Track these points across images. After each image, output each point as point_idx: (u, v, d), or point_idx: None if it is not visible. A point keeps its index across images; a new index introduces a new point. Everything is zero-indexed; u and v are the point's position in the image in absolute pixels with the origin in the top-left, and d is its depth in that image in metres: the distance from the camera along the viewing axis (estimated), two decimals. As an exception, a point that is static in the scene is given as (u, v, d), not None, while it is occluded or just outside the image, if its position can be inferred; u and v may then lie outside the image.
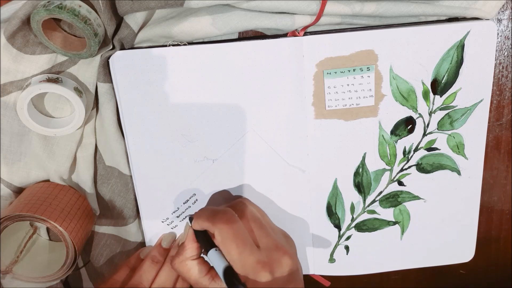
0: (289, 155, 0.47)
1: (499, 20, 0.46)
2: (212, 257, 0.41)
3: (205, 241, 0.42)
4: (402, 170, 0.48)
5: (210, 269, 0.43)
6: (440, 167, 0.48)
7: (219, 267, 0.40)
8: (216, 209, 0.43)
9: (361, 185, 0.49)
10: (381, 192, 0.49)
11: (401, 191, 0.49)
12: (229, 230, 0.40)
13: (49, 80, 0.41)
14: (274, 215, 0.49)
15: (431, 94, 0.45)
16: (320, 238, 0.51)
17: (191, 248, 0.43)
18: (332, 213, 0.50)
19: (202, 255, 0.44)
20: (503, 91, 0.48)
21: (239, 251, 0.39)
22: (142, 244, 0.51)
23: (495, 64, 0.47)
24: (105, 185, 0.48)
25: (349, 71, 0.44)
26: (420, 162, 0.48)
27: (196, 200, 0.48)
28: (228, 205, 0.45)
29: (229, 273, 0.39)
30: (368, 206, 0.50)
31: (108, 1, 0.40)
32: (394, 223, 0.50)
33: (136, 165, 0.47)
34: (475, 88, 0.45)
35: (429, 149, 0.47)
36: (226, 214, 0.41)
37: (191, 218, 0.45)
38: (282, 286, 0.39)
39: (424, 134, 0.47)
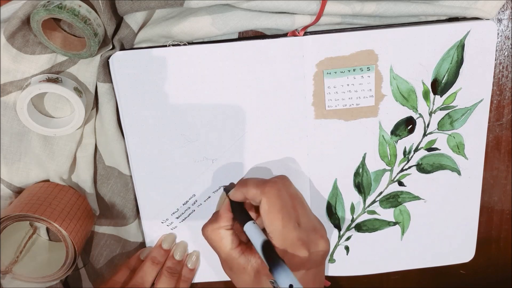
0: (289, 155, 0.47)
1: (499, 20, 0.46)
2: (250, 229, 0.40)
3: (241, 213, 0.42)
4: (402, 170, 0.48)
5: (241, 242, 0.42)
6: (440, 167, 0.48)
7: (257, 240, 0.39)
8: (264, 179, 0.42)
9: (361, 186, 0.49)
10: (381, 193, 0.49)
11: (401, 192, 0.49)
12: (278, 200, 0.40)
13: (49, 80, 0.41)
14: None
15: (431, 94, 0.45)
16: (320, 238, 0.51)
17: (226, 217, 0.43)
18: (332, 213, 0.50)
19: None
20: (503, 91, 0.48)
21: (284, 224, 0.39)
22: (142, 244, 0.51)
23: (495, 64, 0.47)
24: (105, 185, 0.47)
25: (349, 71, 0.44)
26: (420, 162, 0.48)
27: (196, 200, 0.48)
28: (274, 178, 0.44)
29: (268, 247, 0.38)
30: (368, 206, 0.50)
31: (108, 1, 0.40)
32: (394, 223, 0.50)
33: (136, 165, 0.47)
34: (475, 88, 0.45)
35: (429, 149, 0.47)
36: (277, 184, 0.41)
37: (226, 190, 0.45)
38: (315, 267, 0.40)
39: (424, 134, 0.47)
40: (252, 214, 0.43)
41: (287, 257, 0.38)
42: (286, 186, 0.42)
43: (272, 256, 0.38)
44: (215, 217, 0.43)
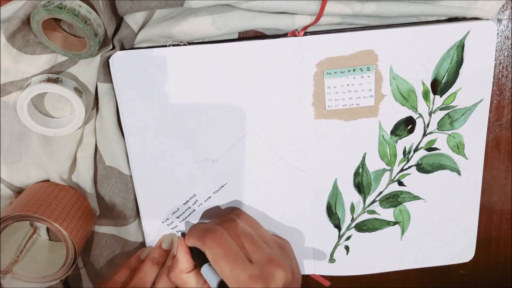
0: (289, 155, 0.47)
1: (499, 20, 0.46)
2: (205, 272, 0.42)
3: (197, 256, 0.43)
4: (402, 170, 0.48)
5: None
6: (440, 167, 0.48)
7: (213, 283, 0.41)
8: (206, 227, 0.43)
9: (361, 185, 0.49)
10: (381, 192, 0.49)
11: (401, 191, 0.49)
12: (219, 248, 0.40)
13: (49, 80, 0.41)
14: (274, 215, 0.49)
15: (431, 94, 0.45)
16: (320, 238, 0.51)
17: (185, 260, 0.44)
18: (332, 213, 0.50)
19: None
20: (503, 91, 0.48)
21: (231, 268, 0.39)
22: (142, 244, 0.51)
23: (495, 64, 0.47)
24: (105, 185, 0.47)
25: (349, 71, 0.44)
26: (420, 162, 0.48)
27: (196, 200, 0.48)
28: (218, 221, 0.46)
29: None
30: (368, 206, 0.50)
31: (108, 1, 0.40)
32: (394, 223, 0.50)
33: (136, 165, 0.47)
34: (475, 88, 0.45)
35: (429, 149, 0.47)
36: (215, 233, 0.42)
37: (183, 234, 0.48)
38: None
39: (424, 134, 0.47)
40: None
41: None
42: (230, 228, 0.43)
43: None
44: (175, 261, 0.45)
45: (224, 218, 0.46)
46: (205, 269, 0.42)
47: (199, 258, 0.43)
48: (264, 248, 0.42)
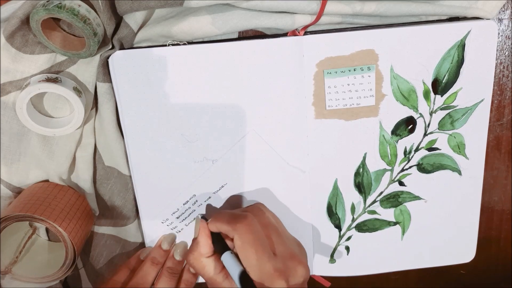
0: (289, 155, 0.47)
1: (500, 20, 0.46)
2: (227, 260, 0.41)
3: (219, 243, 0.43)
4: (402, 170, 0.48)
5: (224, 267, 0.42)
6: (441, 167, 0.48)
7: (235, 271, 0.40)
8: (236, 213, 0.43)
9: (362, 185, 0.48)
10: (381, 192, 0.49)
11: (402, 191, 0.49)
12: (250, 235, 0.40)
13: (48, 80, 0.41)
14: (274, 215, 0.49)
15: (432, 94, 0.45)
16: (320, 238, 0.51)
17: (205, 244, 0.43)
18: (332, 213, 0.50)
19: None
20: (504, 90, 0.48)
21: (258, 257, 0.39)
22: (142, 244, 0.51)
23: (496, 63, 0.47)
24: (105, 185, 0.47)
25: (349, 70, 0.44)
26: (420, 162, 0.48)
27: (196, 201, 0.48)
28: (245, 209, 0.45)
29: (246, 278, 0.39)
30: (369, 206, 0.49)
31: (107, 0, 0.40)
32: (395, 223, 0.50)
33: (135, 165, 0.46)
34: (476, 87, 0.45)
35: (430, 149, 0.47)
36: (247, 219, 0.41)
37: (203, 216, 0.46)
38: None
39: (425, 134, 0.47)
40: (230, 242, 0.43)
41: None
42: (258, 217, 0.43)
43: (250, 287, 0.38)
44: (195, 244, 0.44)
45: (251, 207, 0.45)
46: (226, 256, 0.41)
47: (218, 245, 0.42)
48: (287, 242, 0.42)
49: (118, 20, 0.42)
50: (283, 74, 0.44)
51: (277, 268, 0.39)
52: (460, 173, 0.48)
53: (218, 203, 0.48)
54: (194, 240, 0.44)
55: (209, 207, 0.49)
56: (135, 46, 0.44)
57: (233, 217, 0.42)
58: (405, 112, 0.46)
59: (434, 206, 0.50)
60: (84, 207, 0.47)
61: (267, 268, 0.39)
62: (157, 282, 0.47)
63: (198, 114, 0.45)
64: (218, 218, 0.43)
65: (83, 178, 0.46)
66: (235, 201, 0.48)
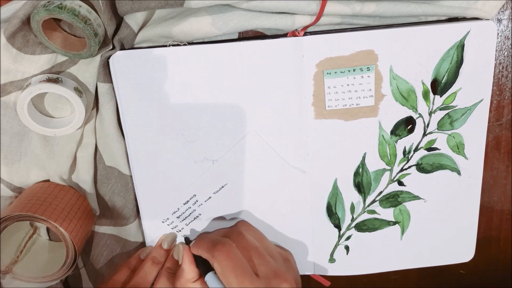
0: (289, 155, 0.47)
1: (499, 20, 0.46)
2: (210, 281, 0.42)
3: (202, 264, 0.44)
4: (402, 170, 0.48)
5: None
6: (440, 167, 0.48)
7: None
8: (215, 239, 0.44)
9: (361, 185, 0.49)
10: (381, 192, 0.49)
11: (401, 191, 0.49)
12: (229, 261, 0.41)
13: (49, 80, 0.41)
14: (274, 215, 0.49)
15: (431, 94, 0.45)
16: (320, 238, 0.51)
17: (190, 270, 0.44)
18: (332, 213, 0.50)
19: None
20: (503, 91, 0.48)
21: (239, 281, 0.40)
22: (142, 244, 0.51)
23: (495, 64, 0.47)
24: (105, 185, 0.47)
25: (349, 71, 0.44)
26: (420, 162, 0.48)
27: (197, 200, 0.48)
28: (225, 232, 0.46)
29: None
30: (368, 206, 0.50)
31: (108, 1, 0.40)
32: (394, 223, 0.50)
33: (136, 165, 0.47)
34: (475, 88, 0.45)
35: (429, 149, 0.47)
36: (225, 246, 0.42)
37: (186, 239, 0.48)
38: None
39: (424, 134, 0.47)
40: None
41: None
42: (237, 241, 0.44)
43: None
44: (180, 271, 0.45)
45: (231, 229, 0.47)
46: (209, 277, 0.42)
47: (203, 266, 0.44)
48: (270, 261, 0.43)
49: (119, 21, 0.42)
50: (283, 74, 0.44)
51: None
52: (459, 173, 0.48)
53: (218, 203, 0.48)
54: (179, 267, 0.45)
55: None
56: (135, 46, 0.44)
57: (212, 244, 0.43)
58: (405, 112, 0.46)
59: (433, 206, 0.50)
60: (84, 207, 0.47)
61: None
62: (156, 282, 0.47)
63: (198, 114, 0.45)
64: (198, 244, 0.44)
65: (83, 178, 0.47)
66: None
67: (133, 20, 0.41)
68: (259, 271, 0.41)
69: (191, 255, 0.45)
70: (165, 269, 0.48)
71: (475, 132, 0.47)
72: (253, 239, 0.45)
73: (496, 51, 0.45)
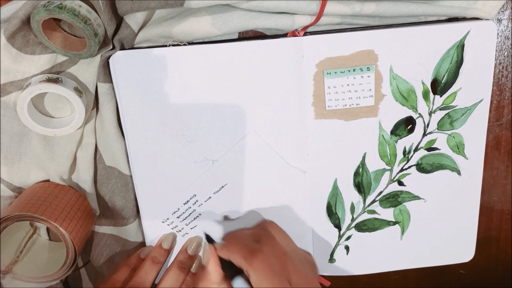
0: (289, 155, 0.47)
1: (499, 20, 0.46)
2: (238, 286, 0.41)
3: (229, 267, 0.42)
4: (402, 170, 0.48)
5: None
6: (440, 167, 0.48)
7: None
8: (250, 246, 0.42)
9: (361, 185, 0.49)
10: (381, 192, 0.49)
11: (401, 191, 0.49)
12: (267, 272, 0.39)
13: (49, 80, 0.41)
14: (274, 215, 0.49)
15: (431, 94, 0.45)
16: (320, 238, 0.51)
17: (215, 272, 0.43)
18: (332, 213, 0.50)
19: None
20: (503, 91, 0.48)
21: None
22: (142, 244, 0.51)
23: (495, 64, 0.47)
24: (105, 185, 0.47)
25: (349, 71, 0.44)
26: (420, 162, 0.48)
27: (197, 200, 0.48)
28: (254, 234, 0.44)
29: None
30: (368, 206, 0.50)
31: (108, 1, 0.40)
32: (394, 223, 0.50)
33: (136, 165, 0.47)
34: (475, 88, 0.45)
35: (429, 149, 0.47)
36: (264, 254, 0.40)
37: (207, 237, 0.46)
38: None
39: (424, 134, 0.47)
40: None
41: None
42: (273, 248, 0.42)
43: None
44: (205, 272, 0.43)
45: (260, 232, 0.45)
46: (238, 282, 0.41)
47: (230, 270, 0.42)
48: (300, 268, 0.42)
49: (119, 21, 0.42)
50: (283, 74, 0.44)
51: None
52: (459, 173, 0.48)
53: (218, 203, 0.48)
54: (203, 267, 0.44)
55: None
56: (135, 46, 0.44)
57: (248, 252, 0.41)
58: (405, 112, 0.46)
59: (433, 206, 0.50)
60: (84, 207, 0.47)
61: None
62: (165, 275, 0.47)
63: (198, 114, 0.45)
64: (231, 249, 0.42)
65: (83, 178, 0.47)
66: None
67: (133, 20, 0.41)
68: (293, 280, 0.40)
69: (217, 257, 0.43)
70: (176, 262, 0.48)
71: (475, 132, 0.47)
72: (284, 243, 0.44)
73: (496, 51, 0.45)
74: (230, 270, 0.42)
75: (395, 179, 0.48)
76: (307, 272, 0.43)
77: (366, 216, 0.50)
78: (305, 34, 0.44)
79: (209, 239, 0.47)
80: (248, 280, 0.41)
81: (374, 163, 0.48)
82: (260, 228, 0.46)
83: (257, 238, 0.44)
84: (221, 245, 0.44)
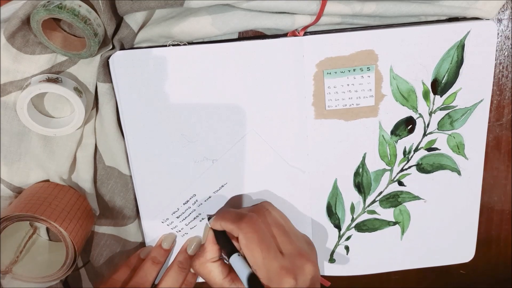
0: (289, 155, 0.47)
1: (499, 20, 0.46)
2: (235, 262, 0.41)
3: (226, 244, 0.43)
4: (402, 170, 0.48)
5: (230, 271, 0.43)
6: (440, 167, 0.48)
7: (243, 274, 0.40)
8: (241, 213, 0.43)
9: (361, 185, 0.49)
10: (381, 192, 0.49)
11: (401, 191, 0.49)
12: (254, 234, 0.40)
13: (49, 80, 0.41)
14: (274, 215, 0.49)
15: (431, 94, 0.45)
16: (320, 238, 0.51)
17: (212, 250, 0.44)
18: (332, 213, 0.50)
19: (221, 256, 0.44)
20: (503, 91, 0.48)
21: (264, 256, 0.39)
22: (142, 244, 0.51)
23: (495, 64, 0.47)
24: (105, 185, 0.47)
25: (349, 71, 0.44)
26: (420, 162, 0.48)
27: (196, 200, 0.48)
28: (251, 209, 0.46)
29: (254, 280, 0.39)
30: (368, 206, 0.50)
31: (108, 1, 0.40)
32: (394, 223, 0.50)
33: (136, 165, 0.47)
34: (475, 88, 0.45)
35: (429, 149, 0.47)
36: (252, 218, 0.41)
37: (209, 217, 0.46)
38: None
39: (424, 134, 0.47)
40: (236, 242, 0.43)
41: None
42: (263, 217, 0.43)
43: None
44: (201, 250, 0.44)
45: (255, 206, 0.46)
46: (235, 258, 0.41)
47: (226, 247, 0.43)
48: (294, 241, 0.42)
49: (119, 21, 0.42)
50: (283, 74, 0.44)
51: (284, 266, 0.39)
52: (459, 173, 0.48)
53: (218, 203, 0.48)
54: (202, 245, 0.45)
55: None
56: (135, 46, 0.44)
57: (238, 216, 0.42)
58: (405, 112, 0.46)
59: (433, 206, 0.50)
60: (84, 207, 0.47)
61: (274, 266, 0.39)
62: (165, 275, 0.47)
63: (198, 114, 0.45)
64: (223, 216, 0.43)
65: (83, 178, 0.47)
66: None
67: (133, 20, 0.41)
68: (283, 249, 0.41)
69: (214, 237, 0.44)
70: (175, 262, 0.48)
71: (475, 132, 0.47)
72: (278, 218, 0.45)
73: (496, 51, 0.45)
74: (228, 247, 0.43)
75: (395, 179, 0.48)
76: (303, 247, 0.43)
77: (366, 216, 0.50)
78: (305, 34, 0.44)
79: (210, 218, 0.47)
80: (245, 258, 0.41)
81: (374, 163, 0.48)
82: (257, 204, 0.47)
83: (251, 210, 0.45)
84: (213, 218, 0.44)
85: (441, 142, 0.47)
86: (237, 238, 0.41)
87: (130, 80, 0.43)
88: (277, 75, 0.44)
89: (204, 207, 0.49)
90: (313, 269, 0.41)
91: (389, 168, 0.48)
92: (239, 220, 0.41)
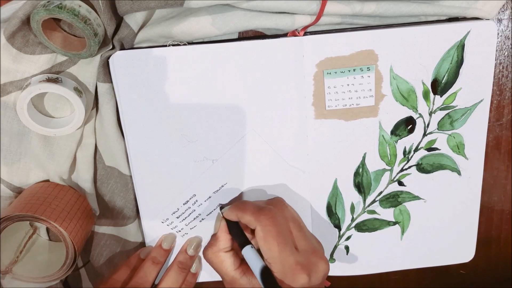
0: (289, 155, 0.47)
1: (499, 20, 0.46)
2: (247, 254, 0.41)
3: (238, 235, 0.43)
4: (402, 170, 0.48)
5: (242, 262, 0.43)
6: (440, 167, 0.48)
7: (256, 266, 0.40)
8: (259, 205, 0.43)
9: (361, 185, 0.49)
10: (381, 192, 0.49)
11: (401, 191, 0.49)
12: (272, 227, 0.40)
13: (49, 80, 0.41)
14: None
15: (431, 94, 0.45)
16: (320, 238, 0.50)
17: (225, 239, 0.43)
18: (332, 213, 0.50)
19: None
20: (503, 91, 0.48)
21: (280, 250, 0.39)
22: (142, 244, 0.51)
23: (495, 64, 0.47)
24: (105, 185, 0.47)
25: (349, 71, 0.44)
26: (420, 162, 0.48)
27: (196, 200, 0.48)
28: (269, 202, 0.45)
29: (267, 273, 0.39)
30: (368, 206, 0.50)
31: (108, 1, 0.40)
32: (394, 223, 0.50)
33: (136, 165, 0.47)
34: (475, 88, 0.45)
35: (429, 149, 0.47)
36: (271, 212, 0.41)
37: (221, 207, 0.46)
38: None
39: (424, 134, 0.47)
40: (249, 234, 0.43)
41: (287, 283, 0.38)
42: (281, 211, 0.43)
43: (271, 283, 0.38)
44: (214, 239, 0.44)
45: (273, 200, 0.46)
46: (248, 250, 0.41)
47: (239, 238, 0.42)
48: (308, 237, 0.42)
49: (119, 21, 0.42)
50: (283, 74, 0.44)
51: (299, 262, 0.39)
52: (459, 173, 0.48)
53: (218, 202, 0.48)
54: (214, 235, 0.44)
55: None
56: (135, 46, 0.44)
57: (256, 208, 0.41)
58: (405, 112, 0.46)
59: (433, 206, 0.50)
60: (84, 207, 0.47)
61: (289, 261, 0.39)
62: (165, 275, 0.47)
63: (198, 114, 0.45)
64: (241, 207, 0.42)
65: (83, 178, 0.47)
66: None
67: (133, 20, 0.41)
68: (298, 245, 0.41)
69: (226, 225, 0.44)
70: (175, 262, 0.48)
71: (475, 132, 0.47)
72: (294, 213, 0.45)
73: (496, 51, 0.45)
74: (239, 238, 0.42)
75: (395, 179, 0.48)
76: (316, 245, 0.43)
77: (366, 216, 0.50)
78: (305, 34, 0.44)
79: (222, 207, 0.47)
80: (258, 250, 0.41)
81: (374, 163, 0.48)
82: (272, 199, 0.46)
83: (267, 203, 0.44)
84: (229, 207, 0.44)
85: (441, 142, 0.47)
86: (252, 230, 0.41)
87: (130, 80, 0.43)
88: (277, 75, 0.44)
89: (204, 207, 0.49)
90: (326, 267, 0.41)
91: (389, 168, 0.48)
92: (258, 212, 0.41)
